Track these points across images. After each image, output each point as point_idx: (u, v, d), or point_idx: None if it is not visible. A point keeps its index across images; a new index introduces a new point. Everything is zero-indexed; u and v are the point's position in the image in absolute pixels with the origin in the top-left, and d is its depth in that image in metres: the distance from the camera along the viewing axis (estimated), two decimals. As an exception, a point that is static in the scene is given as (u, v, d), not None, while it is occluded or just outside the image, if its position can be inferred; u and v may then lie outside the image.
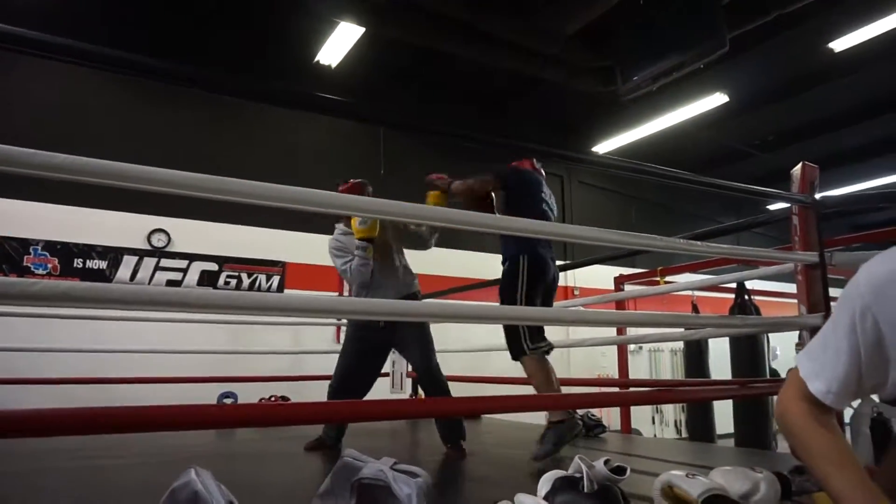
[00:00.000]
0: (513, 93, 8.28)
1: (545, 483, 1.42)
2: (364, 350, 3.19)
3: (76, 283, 1.21)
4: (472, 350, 5.17)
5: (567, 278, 8.83)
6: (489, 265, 7.41)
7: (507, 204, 3.01)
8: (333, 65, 6.77)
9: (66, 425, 1.20)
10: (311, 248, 6.66)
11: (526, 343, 2.78)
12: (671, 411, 9.71)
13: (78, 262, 5.52)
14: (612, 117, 8.59)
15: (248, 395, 5.10)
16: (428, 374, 3.17)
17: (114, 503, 2.02)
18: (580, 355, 8.39)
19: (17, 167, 1.22)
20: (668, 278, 5.40)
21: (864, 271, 0.95)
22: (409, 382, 4.99)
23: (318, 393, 4.02)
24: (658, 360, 10.03)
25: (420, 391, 4.37)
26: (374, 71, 7.24)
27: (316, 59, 6.66)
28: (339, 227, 3.37)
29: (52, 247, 5.42)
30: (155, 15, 6.24)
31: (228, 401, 4.93)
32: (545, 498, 1.32)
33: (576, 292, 8.71)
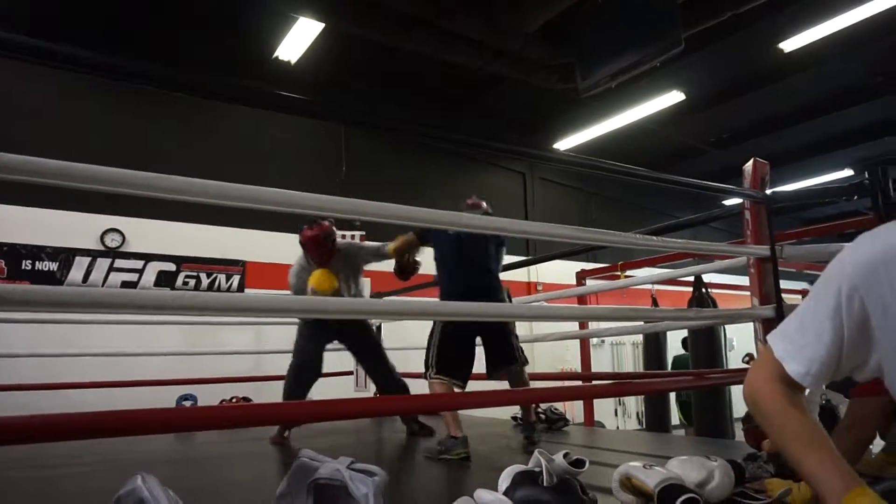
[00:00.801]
0: (473, 90, 8.32)
1: (505, 478, 1.43)
2: (317, 337, 3.60)
3: (16, 286, 1.16)
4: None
5: (530, 274, 8.91)
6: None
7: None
8: (293, 60, 6.67)
9: (17, 434, 1.15)
10: (271, 247, 6.56)
11: (430, 368, 3.01)
12: (633, 403, 9.90)
13: (27, 264, 5.32)
14: (572, 114, 8.70)
15: (209, 397, 5.00)
16: (377, 369, 3.66)
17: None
18: (544, 349, 8.49)
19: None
20: (628, 272, 5.49)
21: (849, 252, 0.94)
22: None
23: (278, 393, 3.98)
24: (620, 353, 10.22)
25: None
26: (334, 67, 7.16)
27: (275, 55, 6.55)
28: (300, 256, 3.72)
29: (-1, 248, 5.21)
30: (106, 10, 6.04)
31: (187, 403, 4.81)
32: (505, 493, 1.33)
33: (539, 287, 8.79)
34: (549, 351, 8.52)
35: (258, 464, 2.86)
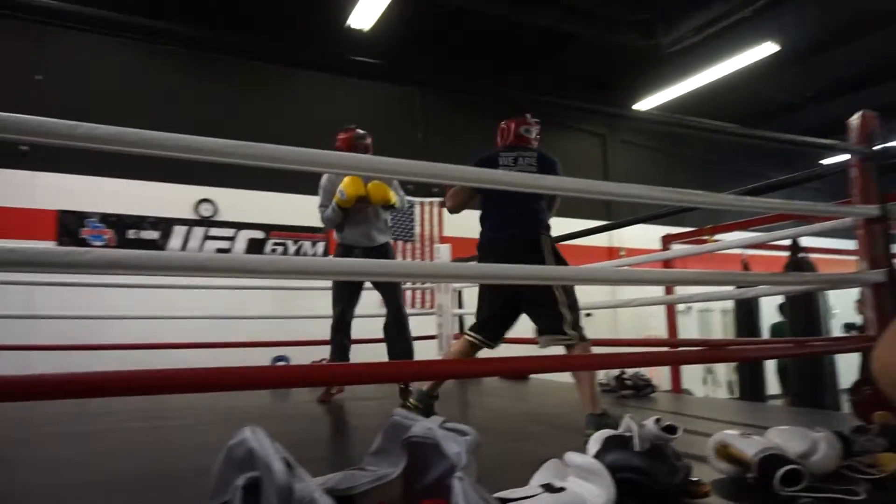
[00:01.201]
0: (548, 51, 8.06)
1: (595, 442, 1.41)
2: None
3: (126, 251, 1.24)
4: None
5: (612, 238, 8.70)
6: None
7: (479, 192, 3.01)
8: (366, 28, 6.70)
9: (133, 387, 1.24)
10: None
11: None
12: (723, 371, 9.56)
13: (131, 234, 5.71)
14: (653, 72, 8.29)
15: (300, 358, 5.23)
16: (398, 313, 3.59)
17: (174, 461, 2.11)
18: (628, 316, 8.31)
19: (60, 139, 1.23)
20: (717, 237, 5.25)
21: None
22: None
23: (365, 356, 4.09)
24: (708, 320, 9.85)
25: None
26: (406, 34, 7.13)
27: (347, 24, 6.60)
28: None
29: (106, 219, 5.62)
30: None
31: (281, 364, 5.06)
32: (595, 457, 1.32)
33: (621, 253, 8.57)
34: (633, 318, 8.35)
35: (351, 422, 2.97)
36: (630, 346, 5.54)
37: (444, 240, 7.03)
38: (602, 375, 3.86)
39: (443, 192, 7.28)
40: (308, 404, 3.62)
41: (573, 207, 7.70)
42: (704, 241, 5.16)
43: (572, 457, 1.24)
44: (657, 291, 6.17)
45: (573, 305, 2.61)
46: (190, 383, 1.36)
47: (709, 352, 3.39)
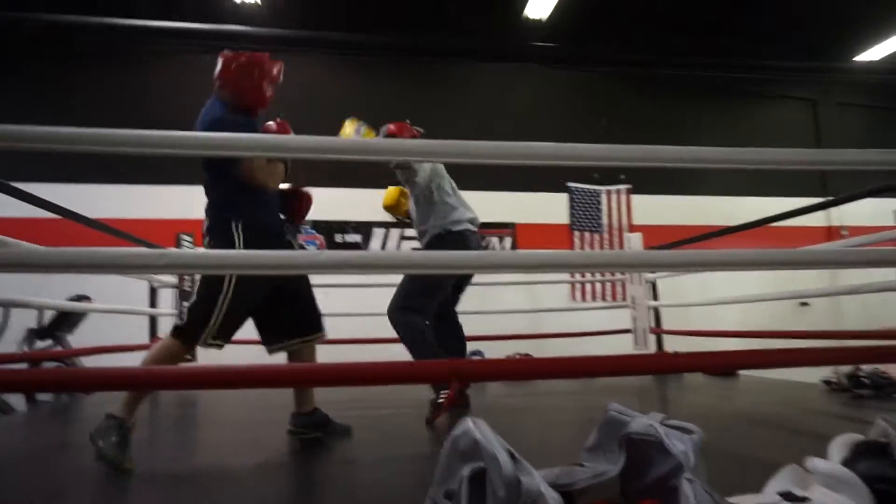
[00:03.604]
0: (729, 11, 7.22)
1: (841, 448, 1.24)
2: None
3: (352, 252, 1.35)
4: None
5: (831, 217, 7.69)
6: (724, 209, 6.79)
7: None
8: (544, 17, 6.66)
9: (347, 378, 1.35)
10: (538, 207, 6.72)
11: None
12: None
13: (338, 238, 6.28)
14: (874, 14, 7.08)
15: (493, 352, 5.35)
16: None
17: (396, 446, 2.27)
18: (853, 305, 7.27)
19: (290, 152, 1.37)
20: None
21: None
22: (652, 339, 4.81)
23: (556, 350, 4.07)
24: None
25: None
26: (583, 17, 6.91)
27: (524, 14, 6.61)
28: None
29: (317, 225, 6.24)
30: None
31: (476, 357, 5.21)
32: (844, 464, 1.16)
33: (844, 233, 7.52)
34: (860, 306, 7.28)
35: (553, 417, 2.97)
36: (861, 339, 4.84)
37: (633, 228, 6.75)
38: (831, 372, 3.42)
39: (629, 177, 7.00)
40: (504, 397, 3.68)
41: (781, 185, 6.93)
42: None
43: (818, 463, 1.10)
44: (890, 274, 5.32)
45: None
46: (394, 376, 1.46)
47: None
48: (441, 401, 2.56)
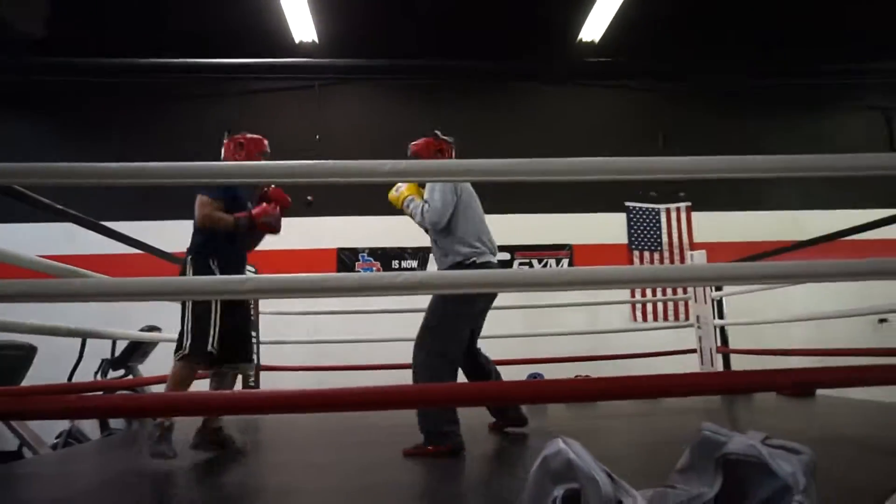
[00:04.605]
0: (795, 17, 6.91)
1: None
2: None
3: (426, 273, 1.35)
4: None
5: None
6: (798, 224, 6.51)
7: None
8: (596, 39, 6.67)
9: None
10: (595, 228, 6.63)
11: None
12: None
13: (395, 264, 6.36)
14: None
15: (552, 375, 5.25)
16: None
17: (468, 466, 2.24)
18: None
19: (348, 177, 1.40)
20: None
21: None
22: (719, 358, 4.64)
23: (616, 373, 3.95)
24: None
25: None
26: (635, 37, 6.85)
27: (579, 38, 6.62)
28: None
29: (374, 252, 6.35)
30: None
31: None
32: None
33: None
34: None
35: (624, 437, 2.89)
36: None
37: (695, 246, 6.56)
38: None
39: (689, 195, 6.82)
40: (568, 420, 3.59)
41: (853, 196, 6.57)
42: None
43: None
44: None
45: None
46: (456, 397, 1.45)
47: None
48: (430, 448, 2.40)
